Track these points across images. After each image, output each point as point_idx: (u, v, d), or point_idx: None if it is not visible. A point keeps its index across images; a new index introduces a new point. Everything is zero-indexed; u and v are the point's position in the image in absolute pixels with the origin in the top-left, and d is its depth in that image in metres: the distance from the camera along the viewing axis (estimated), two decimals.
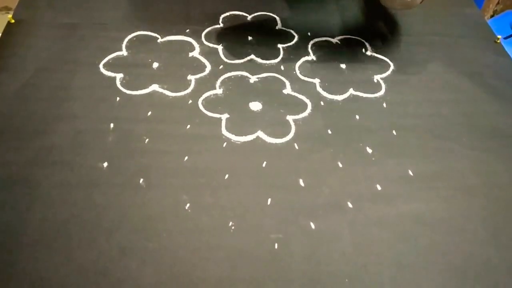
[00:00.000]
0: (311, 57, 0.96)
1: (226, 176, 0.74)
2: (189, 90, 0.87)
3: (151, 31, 0.99)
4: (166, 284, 0.62)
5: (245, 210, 0.71)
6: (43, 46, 0.93)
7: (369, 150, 0.80)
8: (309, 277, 0.64)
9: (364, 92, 0.90)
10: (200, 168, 0.75)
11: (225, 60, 0.94)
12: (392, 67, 0.96)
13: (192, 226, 0.68)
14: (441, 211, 0.73)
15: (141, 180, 0.73)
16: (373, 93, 0.90)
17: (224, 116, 0.83)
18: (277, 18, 1.05)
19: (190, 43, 0.97)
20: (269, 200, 0.72)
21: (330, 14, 1.08)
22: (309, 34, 1.01)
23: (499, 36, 1.03)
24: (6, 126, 0.78)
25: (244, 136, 0.80)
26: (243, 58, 0.95)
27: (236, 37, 0.99)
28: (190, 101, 0.85)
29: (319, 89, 0.90)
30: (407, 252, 0.68)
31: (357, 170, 0.77)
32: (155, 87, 0.87)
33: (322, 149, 0.79)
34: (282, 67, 0.93)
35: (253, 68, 0.93)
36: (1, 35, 0.94)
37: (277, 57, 0.95)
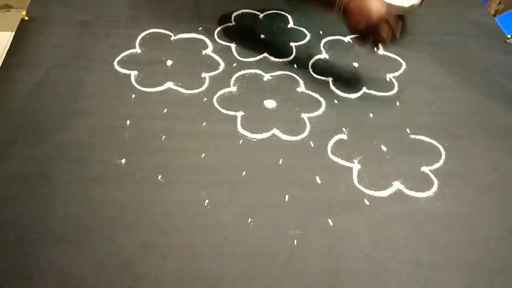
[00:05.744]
0: (324, 55, 0.97)
1: (244, 173, 0.75)
2: (203, 88, 0.88)
3: (164, 29, 0.99)
4: (187, 279, 0.63)
5: (263, 206, 0.71)
6: (57, 43, 0.93)
7: (384, 148, 0.81)
8: (328, 273, 0.65)
9: (377, 91, 0.90)
10: (217, 165, 0.76)
11: (238, 58, 0.95)
12: (404, 66, 0.97)
13: (211, 222, 0.69)
14: (457, 208, 0.74)
15: (159, 176, 0.73)
16: (386, 92, 0.91)
17: (239, 114, 0.84)
18: (289, 16, 1.05)
19: (203, 41, 0.97)
20: (287, 197, 0.72)
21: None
22: (321, 32, 1.02)
23: (509, 36, 1.04)
24: (24, 122, 0.78)
25: (259, 134, 0.81)
26: (256, 56, 0.95)
27: (249, 35, 1.00)
28: (205, 99, 0.86)
29: (332, 87, 0.90)
30: (424, 248, 0.68)
31: (372, 167, 0.78)
32: (169, 84, 0.88)
33: (337, 147, 0.80)
34: (295, 65, 0.94)
35: (267, 66, 0.93)
36: (15, 32, 0.94)
37: (290, 55, 0.96)
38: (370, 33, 0.81)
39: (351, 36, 1.02)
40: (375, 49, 0.84)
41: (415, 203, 0.74)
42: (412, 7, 1.00)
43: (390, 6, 1.00)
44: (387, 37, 0.81)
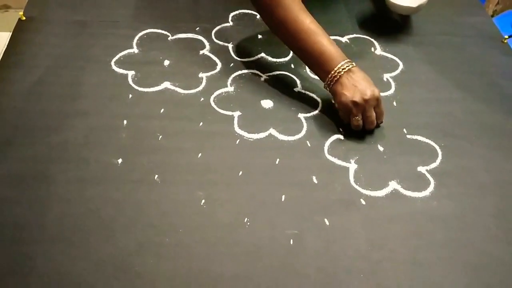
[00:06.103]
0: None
1: (240, 172, 0.75)
2: (200, 88, 0.88)
3: (161, 29, 0.99)
4: (183, 279, 0.63)
5: (260, 206, 0.71)
6: (55, 43, 0.93)
7: (381, 148, 0.81)
8: (324, 273, 0.65)
9: None
10: (214, 165, 0.76)
11: (236, 58, 0.95)
12: (401, 66, 0.97)
13: (208, 221, 0.69)
14: (453, 208, 0.74)
15: (156, 176, 0.73)
16: (383, 92, 0.91)
17: (236, 114, 0.84)
18: None
19: (201, 41, 0.98)
20: (283, 196, 0.73)
21: (339, 13, 1.08)
22: None
23: (506, 36, 1.04)
24: (21, 122, 0.78)
25: (256, 134, 0.81)
26: (253, 56, 0.96)
27: (246, 35, 1.00)
28: (202, 99, 0.86)
29: None
30: (420, 248, 0.68)
31: (369, 167, 0.78)
32: (167, 84, 0.88)
33: (334, 147, 0.80)
34: (292, 65, 0.94)
35: (264, 66, 0.94)
36: (13, 32, 0.94)
37: (287, 55, 0.96)
38: (358, 110, 0.79)
39: (348, 37, 1.02)
40: (359, 128, 0.81)
41: (412, 203, 0.74)
42: (419, 7, 1.00)
43: (398, 6, 1.00)
44: (374, 118, 0.81)
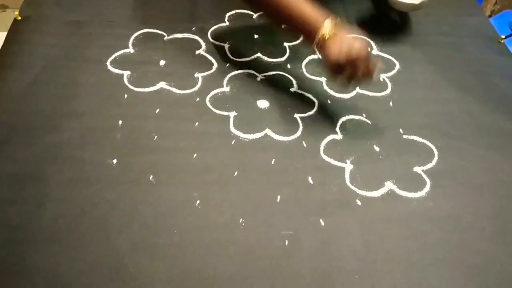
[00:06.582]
0: (317, 55, 0.97)
1: (236, 173, 0.75)
2: (196, 88, 0.88)
3: (157, 29, 0.99)
4: (178, 280, 0.63)
5: (255, 206, 0.71)
6: (50, 43, 0.93)
7: (377, 148, 0.81)
8: (319, 273, 0.65)
9: (371, 91, 0.90)
10: (209, 165, 0.76)
11: (232, 58, 0.95)
12: (397, 66, 0.97)
13: (203, 222, 0.68)
14: (449, 208, 0.74)
15: (151, 176, 0.73)
16: (380, 92, 0.90)
17: (232, 114, 0.84)
18: None
19: (197, 41, 0.97)
20: (279, 197, 0.72)
21: (336, 13, 1.07)
22: None
23: (503, 36, 1.04)
24: (16, 122, 0.78)
25: (252, 134, 0.81)
26: (249, 56, 0.95)
27: (242, 35, 1.00)
28: (198, 99, 0.86)
29: (325, 87, 0.90)
30: (416, 249, 0.68)
31: (365, 168, 0.78)
32: (162, 84, 0.87)
33: (330, 147, 0.80)
34: (288, 66, 0.94)
35: (260, 66, 0.93)
36: (8, 32, 0.93)
37: (283, 55, 0.96)
38: (345, 70, 0.75)
39: None
40: (346, 87, 0.79)
41: (407, 203, 0.74)
42: (421, 4, 0.99)
43: (400, 3, 1.00)
44: (362, 76, 0.76)
